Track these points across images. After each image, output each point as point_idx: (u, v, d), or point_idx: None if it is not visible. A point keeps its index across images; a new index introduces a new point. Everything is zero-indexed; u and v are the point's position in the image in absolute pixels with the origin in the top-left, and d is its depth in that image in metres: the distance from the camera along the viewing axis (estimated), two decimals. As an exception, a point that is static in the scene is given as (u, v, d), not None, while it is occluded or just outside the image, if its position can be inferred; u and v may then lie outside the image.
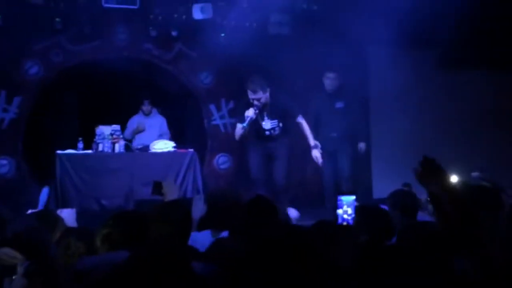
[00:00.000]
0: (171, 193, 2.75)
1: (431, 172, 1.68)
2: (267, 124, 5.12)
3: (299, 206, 6.49)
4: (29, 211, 3.88)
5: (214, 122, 7.22)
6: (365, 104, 7.08)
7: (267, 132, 5.15)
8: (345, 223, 1.93)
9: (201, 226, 2.85)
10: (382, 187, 7.18)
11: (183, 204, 2.40)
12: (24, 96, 6.54)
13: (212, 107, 7.19)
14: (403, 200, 3.10)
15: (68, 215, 2.97)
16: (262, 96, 4.94)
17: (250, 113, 4.90)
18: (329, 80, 5.75)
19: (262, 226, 2.33)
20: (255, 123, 5.04)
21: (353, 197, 1.95)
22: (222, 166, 7.24)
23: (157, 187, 2.82)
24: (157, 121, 6.67)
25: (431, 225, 2.09)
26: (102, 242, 1.99)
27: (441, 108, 6.92)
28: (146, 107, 6.60)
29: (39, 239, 1.94)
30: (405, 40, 6.20)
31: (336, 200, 3.16)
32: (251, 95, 4.94)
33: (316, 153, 5.18)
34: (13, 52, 6.40)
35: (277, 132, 5.17)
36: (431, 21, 5.70)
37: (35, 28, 6.35)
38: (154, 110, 6.72)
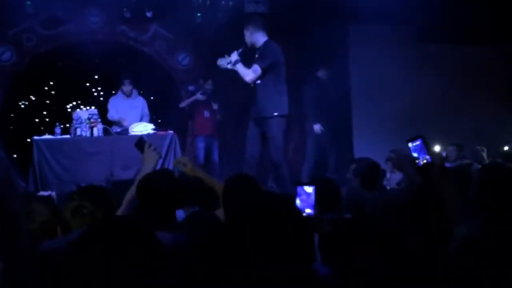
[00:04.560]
0: (148, 158, 2.68)
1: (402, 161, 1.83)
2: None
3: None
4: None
5: (194, 104, 7.15)
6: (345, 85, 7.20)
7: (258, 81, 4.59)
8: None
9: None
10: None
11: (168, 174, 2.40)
12: (-3, 82, 6.43)
13: (192, 88, 7.10)
14: (365, 170, 3.12)
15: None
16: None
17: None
18: (323, 75, 6.31)
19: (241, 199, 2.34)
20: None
21: (312, 188, 1.92)
22: (204, 148, 7.20)
23: (140, 143, 2.77)
24: (139, 102, 6.51)
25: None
26: (73, 215, 1.96)
27: (419, 81, 6.95)
28: (126, 87, 6.29)
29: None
30: (383, 16, 6.19)
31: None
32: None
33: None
34: (-16, 39, 6.28)
35: None
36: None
37: (6, 14, 6.18)
38: (135, 91, 6.57)
